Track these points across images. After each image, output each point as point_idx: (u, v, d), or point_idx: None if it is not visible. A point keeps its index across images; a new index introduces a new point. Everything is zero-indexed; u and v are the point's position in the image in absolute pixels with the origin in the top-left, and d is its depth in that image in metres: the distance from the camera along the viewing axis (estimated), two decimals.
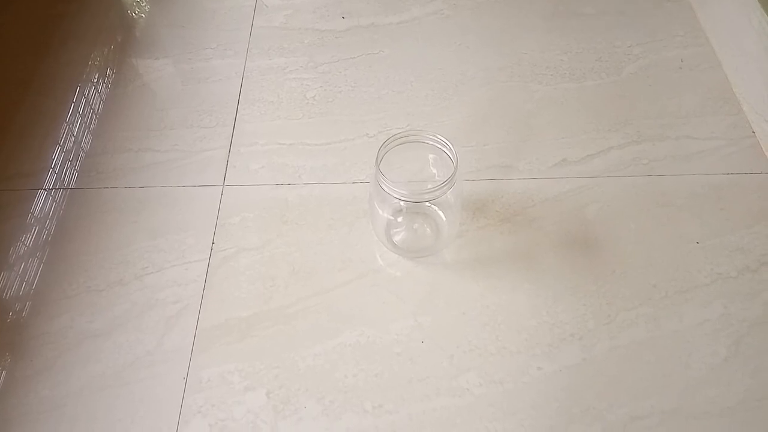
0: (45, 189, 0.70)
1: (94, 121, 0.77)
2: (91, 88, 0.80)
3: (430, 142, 0.57)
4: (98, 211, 0.68)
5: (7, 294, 0.63)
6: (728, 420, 0.53)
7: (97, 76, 0.81)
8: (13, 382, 0.57)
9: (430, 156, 0.60)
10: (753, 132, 0.72)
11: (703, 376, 0.55)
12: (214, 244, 0.65)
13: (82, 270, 0.64)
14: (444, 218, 0.63)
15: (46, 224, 0.67)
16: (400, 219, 0.64)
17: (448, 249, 0.64)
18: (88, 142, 0.74)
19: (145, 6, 0.91)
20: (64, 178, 0.71)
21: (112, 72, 0.82)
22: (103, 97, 0.79)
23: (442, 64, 0.81)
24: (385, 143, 0.56)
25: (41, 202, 0.69)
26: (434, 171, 0.61)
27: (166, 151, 0.73)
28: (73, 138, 0.75)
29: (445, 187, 0.53)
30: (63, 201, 0.69)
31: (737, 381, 0.55)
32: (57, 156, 0.73)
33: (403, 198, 0.55)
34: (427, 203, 0.62)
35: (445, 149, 0.56)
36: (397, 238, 0.64)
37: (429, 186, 0.53)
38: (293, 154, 0.72)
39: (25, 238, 0.67)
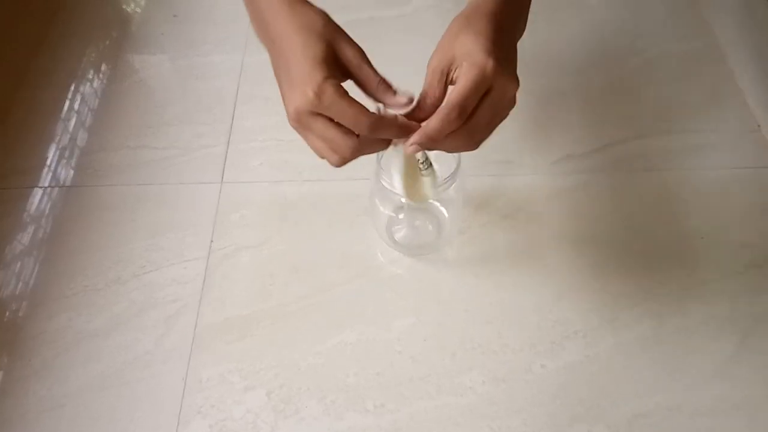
0: (41, 187, 0.70)
1: (90, 117, 0.76)
2: (86, 84, 0.79)
3: None
4: (95, 209, 0.67)
5: (3, 293, 0.62)
6: (734, 417, 0.53)
7: (92, 72, 0.80)
8: (11, 382, 0.56)
9: (432, 152, 0.59)
10: (758, 126, 0.71)
11: (709, 373, 0.55)
12: (212, 242, 0.64)
13: (79, 269, 0.63)
14: (446, 215, 0.63)
15: (42, 222, 0.67)
16: (401, 216, 0.64)
17: (450, 246, 0.63)
18: (84, 139, 0.74)
19: (140, 0, 0.90)
20: (60, 175, 0.70)
21: (108, 68, 0.81)
22: (99, 94, 0.78)
23: None
24: None
25: (37, 200, 0.68)
26: (436, 167, 0.60)
27: (163, 148, 0.72)
28: (68, 135, 0.74)
29: (447, 184, 0.52)
30: (59, 199, 0.68)
31: (743, 377, 0.54)
32: (53, 153, 0.72)
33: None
34: (429, 200, 0.61)
35: None
36: (398, 236, 0.63)
37: None
38: (292, 150, 0.71)
39: (21, 236, 0.66)
